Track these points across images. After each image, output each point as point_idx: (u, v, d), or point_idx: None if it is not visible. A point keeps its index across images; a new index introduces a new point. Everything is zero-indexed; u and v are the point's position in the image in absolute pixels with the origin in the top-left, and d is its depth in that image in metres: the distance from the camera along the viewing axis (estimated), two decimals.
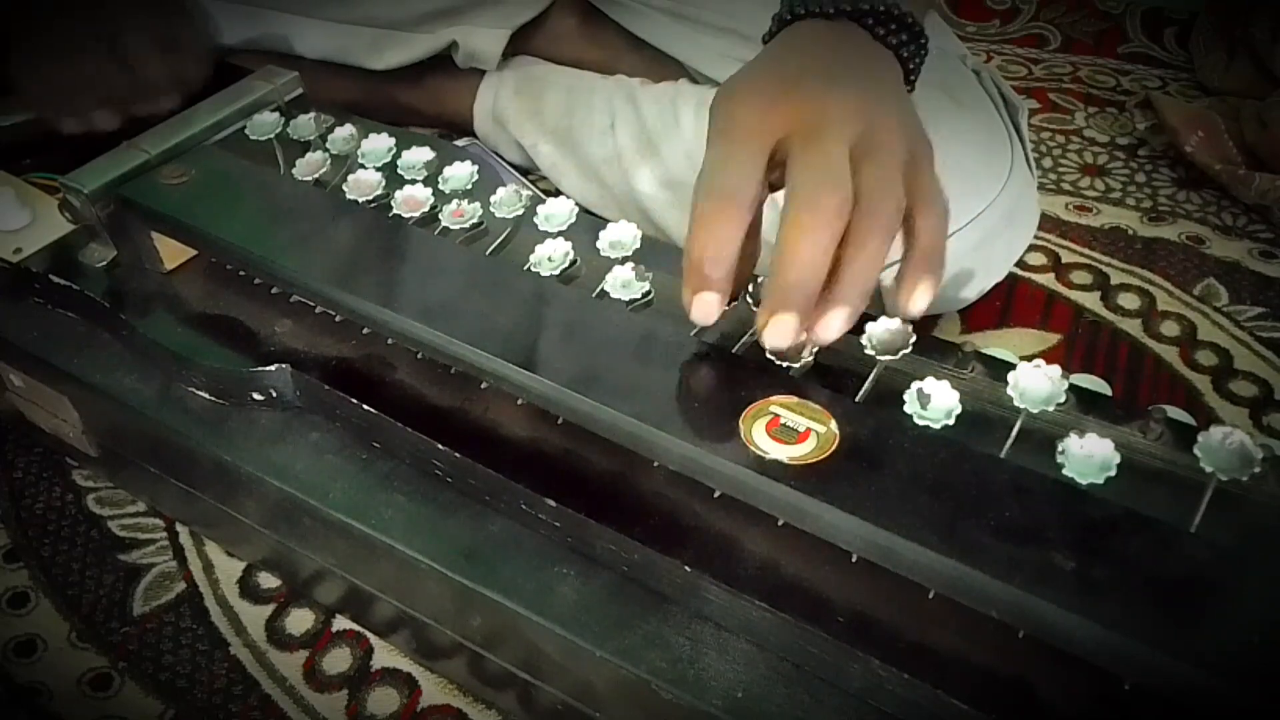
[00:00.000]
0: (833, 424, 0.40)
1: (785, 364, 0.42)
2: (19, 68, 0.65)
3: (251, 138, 0.58)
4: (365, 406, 0.47)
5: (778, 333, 0.39)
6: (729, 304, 0.41)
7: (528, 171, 0.83)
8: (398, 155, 0.55)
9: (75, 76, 0.64)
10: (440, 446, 0.45)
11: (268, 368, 0.50)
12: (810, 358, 0.43)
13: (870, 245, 0.39)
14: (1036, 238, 0.76)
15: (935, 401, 0.40)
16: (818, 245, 0.38)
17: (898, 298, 0.41)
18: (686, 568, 0.40)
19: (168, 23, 0.67)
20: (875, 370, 0.42)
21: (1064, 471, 0.37)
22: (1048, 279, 0.75)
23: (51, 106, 0.65)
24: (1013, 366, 0.40)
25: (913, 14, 0.47)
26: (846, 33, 0.46)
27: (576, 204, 0.51)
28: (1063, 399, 0.39)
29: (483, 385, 0.46)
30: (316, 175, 0.54)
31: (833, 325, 0.39)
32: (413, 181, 0.53)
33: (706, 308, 0.40)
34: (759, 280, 0.46)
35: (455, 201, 0.52)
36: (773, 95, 0.42)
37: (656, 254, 0.49)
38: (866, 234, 0.39)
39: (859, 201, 0.39)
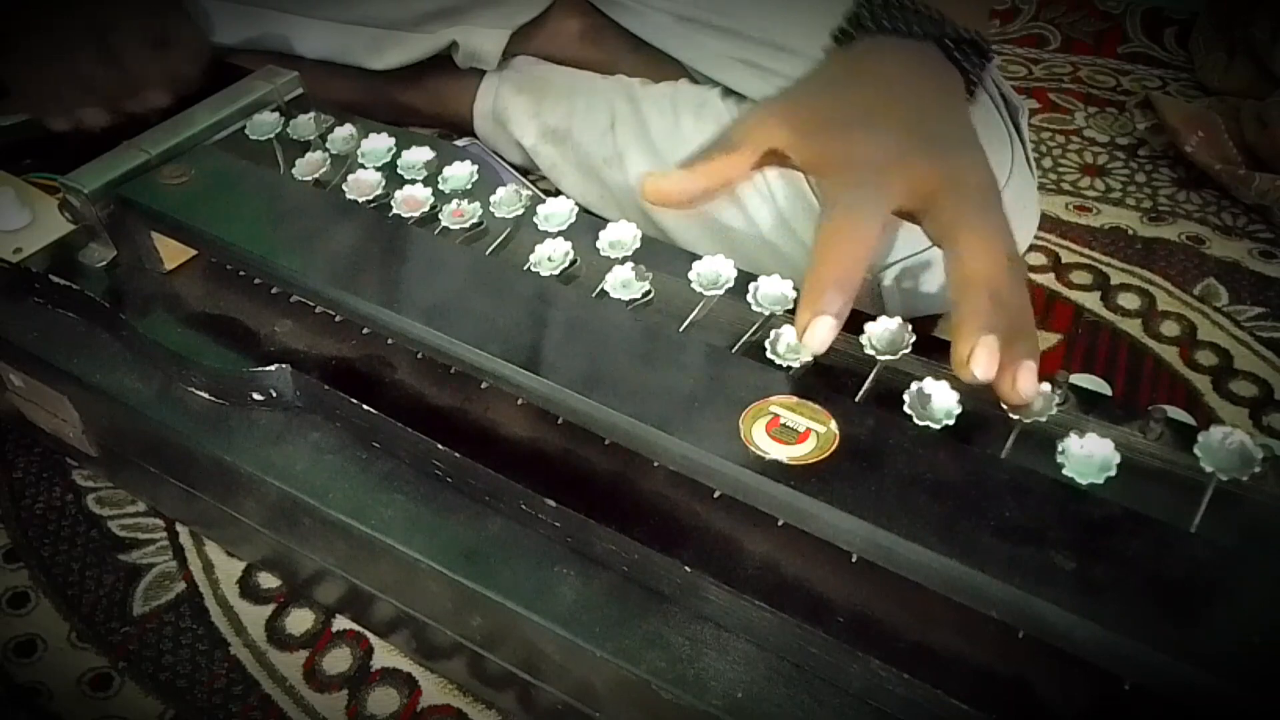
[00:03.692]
0: (833, 424, 0.40)
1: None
2: (12, 66, 0.65)
3: (251, 138, 0.58)
4: (365, 406, 0.47)
5: (982, 361, 0.39)
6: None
7: (528, 171, 0.83)
8: (398, 155, 0.55)
9: (64, 74, 0.64)
10: (440, 446, 0.45)
11: (268, 368, 0.50)
12: (810, 358, 0.43)
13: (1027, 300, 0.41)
14: (1036, 238, 0.76)
15: (935, 401, 0.40)
16: (995, 287, 0.40)
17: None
18: (686, 568, 0.40)
19: (159, 20, 0.66)
20: (875, 370, 0.42)
21: (1064, 471, 0.37)
22: (1048, 279, 0.75)
23: (42, 105, 0.64)
24: None
25: (985, 36, 0.48)
26: (924, 56, 0.47)
27: (576, 204, 0.51)
28: (1054, 410, 0.39)
29: (483, 385, 0.46)
30: (316, 175, 0.54)
31: (1031, 373, 0.39)
32: (413, 181, 0.53)
33: (827, 332, 0.40)
34: (759, 280, 0.46)
35: (455, 201, 0.52)
36: (898, 154, 0.43)
37: (656, 254, 0.49)
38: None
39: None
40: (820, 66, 0.50)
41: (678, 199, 0.47)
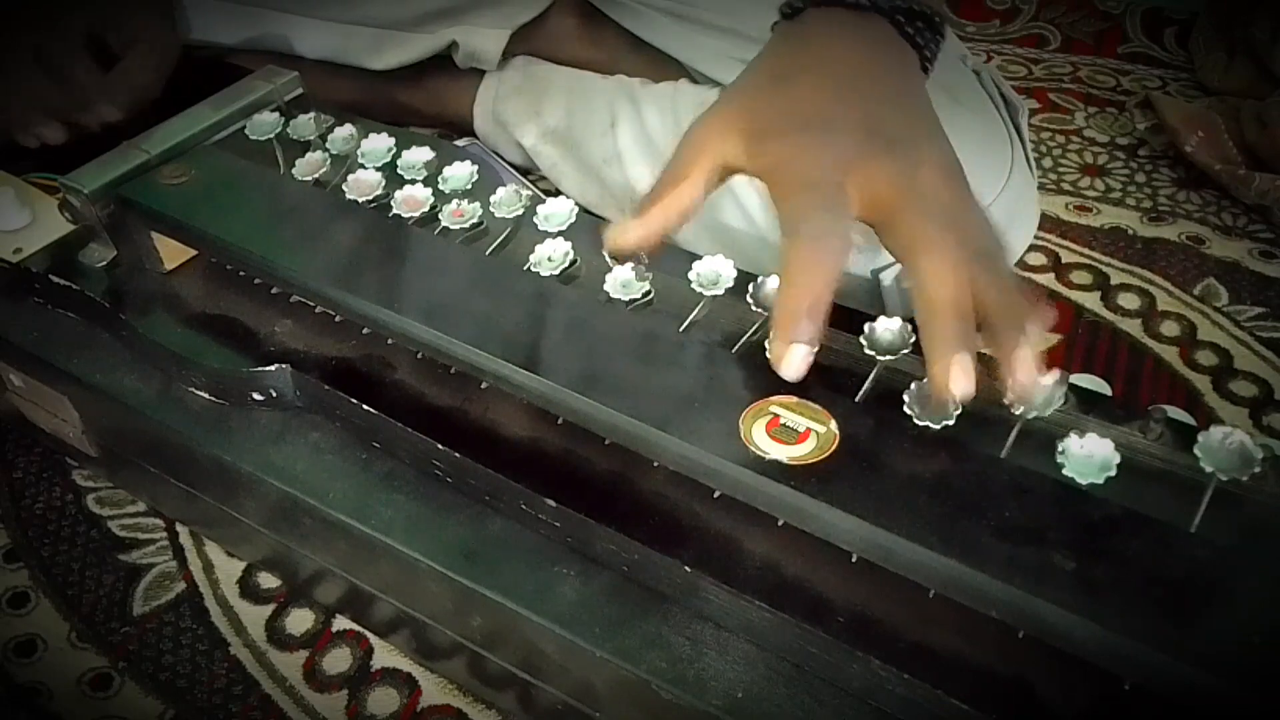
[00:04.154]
0: (833, 424, 0.40)
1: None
2: None
3: (251, 138, 0.58)
4: (365, 406, 0.47)
5: (959, 380, 0.39)
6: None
7: (528, 171, 0.83)
8: (398, 155, 0.55)
9: (10, 91, 0.63)
10: (440, 446, 0.45)
11: (268, 368, 0.50)
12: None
13: (1010, 290, 0.40)
14: (1036, 238, 0.76)
15: (935, 401, 0.40)
16: (961, 307, 0.39)
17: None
18: (686, 568, 0.40)
19: (108, 29, 0.65)
20: (875, 370, 0.42)
21: (1064, 471, 0.37)
22: (1048, 279, 0.75)
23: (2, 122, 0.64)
24: None
25: (938, 11, 0.47)
26: (876, 34, 0.46)
27: (576, 204, 0.51)
28: (1062, 402, 0.39)
29: (483, 385, 0.46)
30: (316, 175, 0.54)
31: (1026, 363, 0.39)
32: (413, 181, 0.53)
33: (802, 361, 0.40)
34: (759, 280, 0.46)
35: (455, 201, 0.52)
36: (855, 162, 0.42)
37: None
38: (999, 279, 0.40)
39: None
40: (769, 50, 0.48)
41: (644, 247, 0.46)
